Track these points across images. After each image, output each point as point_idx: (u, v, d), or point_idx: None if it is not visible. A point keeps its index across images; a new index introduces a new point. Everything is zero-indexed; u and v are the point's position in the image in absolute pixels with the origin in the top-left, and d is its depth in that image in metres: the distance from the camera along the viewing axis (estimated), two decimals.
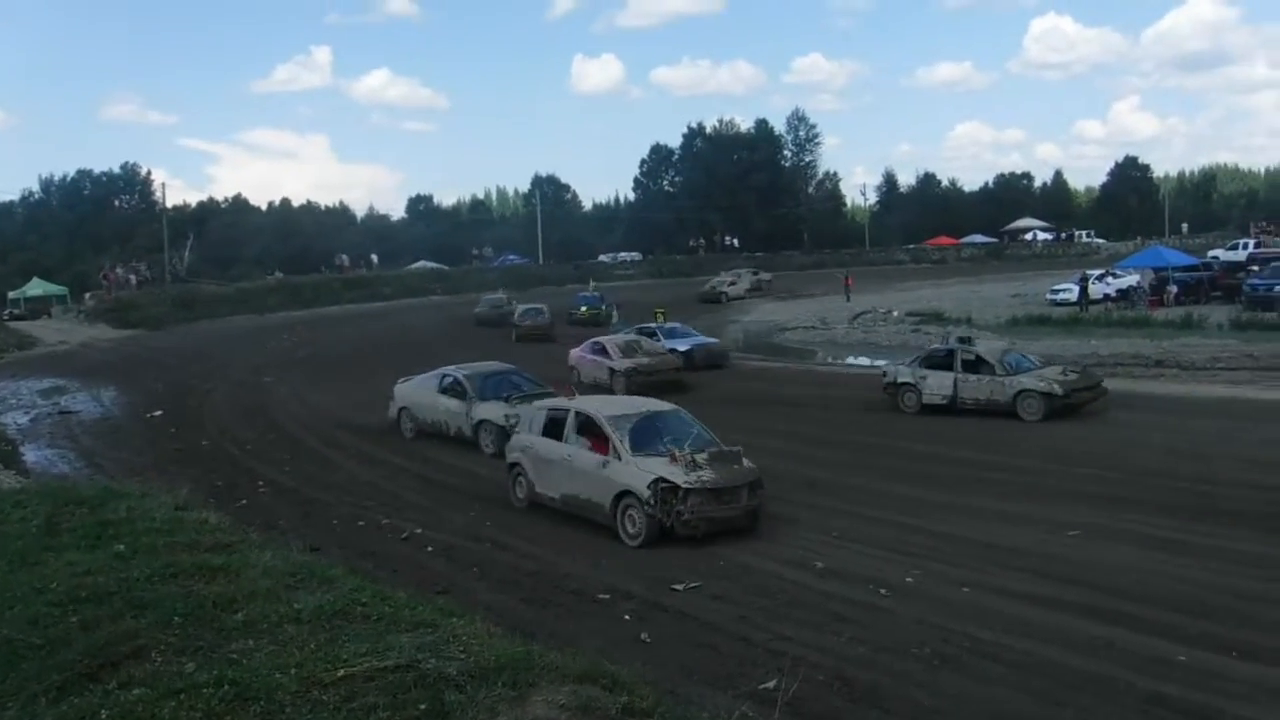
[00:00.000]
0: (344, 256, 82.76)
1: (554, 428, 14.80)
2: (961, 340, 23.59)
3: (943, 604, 10.44)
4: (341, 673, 5.55)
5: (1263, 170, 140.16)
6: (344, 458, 19.86)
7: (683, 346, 31.24)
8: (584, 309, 47.54)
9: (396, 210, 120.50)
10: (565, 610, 10.74)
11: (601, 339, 29.71)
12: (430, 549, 13.24)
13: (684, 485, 12.62)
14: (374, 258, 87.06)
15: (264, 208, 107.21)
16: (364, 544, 13.51)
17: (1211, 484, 14.99)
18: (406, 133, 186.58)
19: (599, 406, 14.88)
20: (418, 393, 21.45)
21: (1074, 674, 8.60)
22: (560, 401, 15.72)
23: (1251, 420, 19.96)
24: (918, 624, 9.85)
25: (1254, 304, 36.66)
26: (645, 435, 13.66)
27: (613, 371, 27.02)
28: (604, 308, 47.98)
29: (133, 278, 63.86)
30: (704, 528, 12.70)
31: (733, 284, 63.94)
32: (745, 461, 13.42)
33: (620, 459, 13.26)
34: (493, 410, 19.44)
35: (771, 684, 8.18)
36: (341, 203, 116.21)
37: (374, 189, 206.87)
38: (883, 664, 8.95)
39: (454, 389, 20.67)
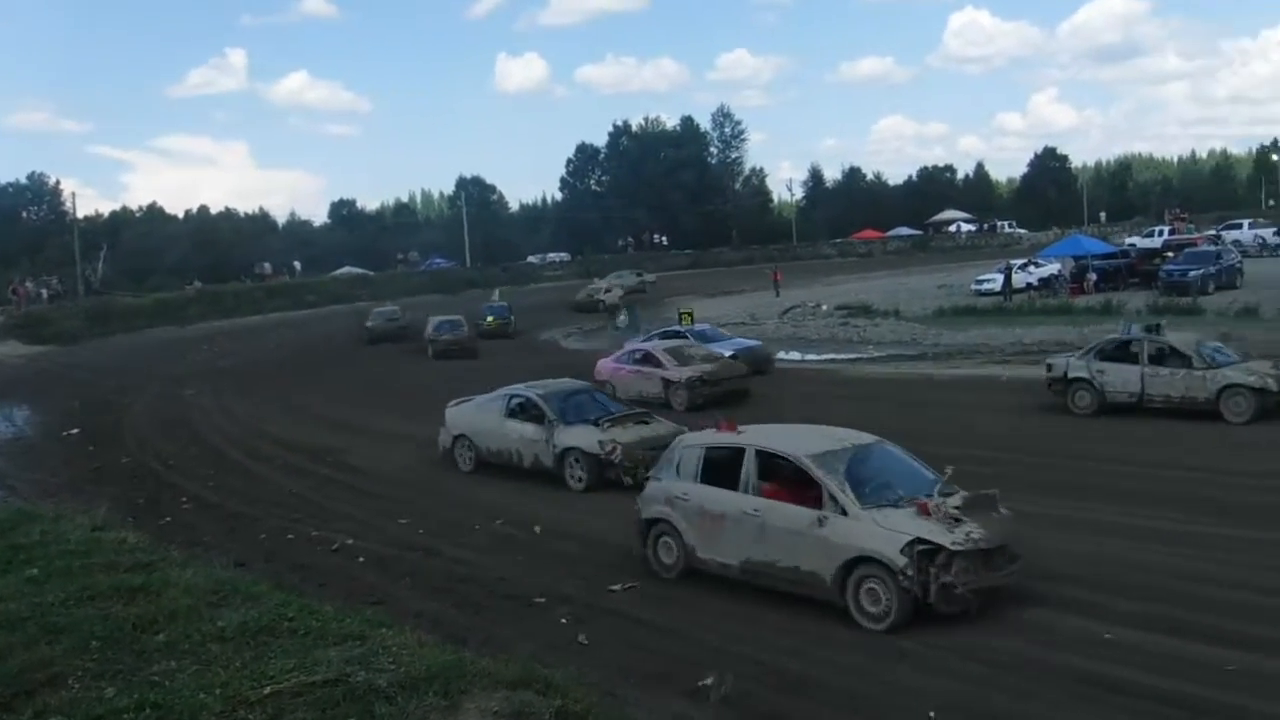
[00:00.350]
0: (265, 264, 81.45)
1: (719, 471, 11.25)
2: (1148, 328, 20.56)
3: None
4: (268, 690, 5.40)
5: (1175, 159, 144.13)
6: (270, 470, 19.45)
7: (726, 351, 26.84)
8: (490, 319, 44.53)
9: (319, 216, 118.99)
10: (500, 615, 10.62)
11: (643, 345, 26.11)
12: (362, 559, 12.99)
13: (951, 547, 9.47)
14: (297, 265, 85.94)
15: (181, 216, 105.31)
16: (293, 557, 13.22)
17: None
18: (328, 136, 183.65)
19: (784, 442, 11.24)
20: (479, 417, 18.22)
21: (1000, 654, 8.72)
22: (721, 436, 11.80)
23: None
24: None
25: (1169, 289, 37.45)
26: (863, 478, 10.41)
27: (668, 383, 23.20)
28: (512, 317, 45.38)
29: (44, 291, 61.95)
30: (976, 601, 9.58)
31: (609, 290, 56.17)
32: (1002, 509, 10.42)
33: (846, 513, 9.90)
34: (582, 436, 16.35)
35: (709, 680, 8.16)
36: (262, 209, 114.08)
37: (295, 194, 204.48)
38: (815, 655, 8.98)
39: (527, 411, 17.52)
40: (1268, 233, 57.38)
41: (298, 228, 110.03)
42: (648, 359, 24.40)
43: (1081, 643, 8.93)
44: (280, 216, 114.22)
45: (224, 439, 23.03)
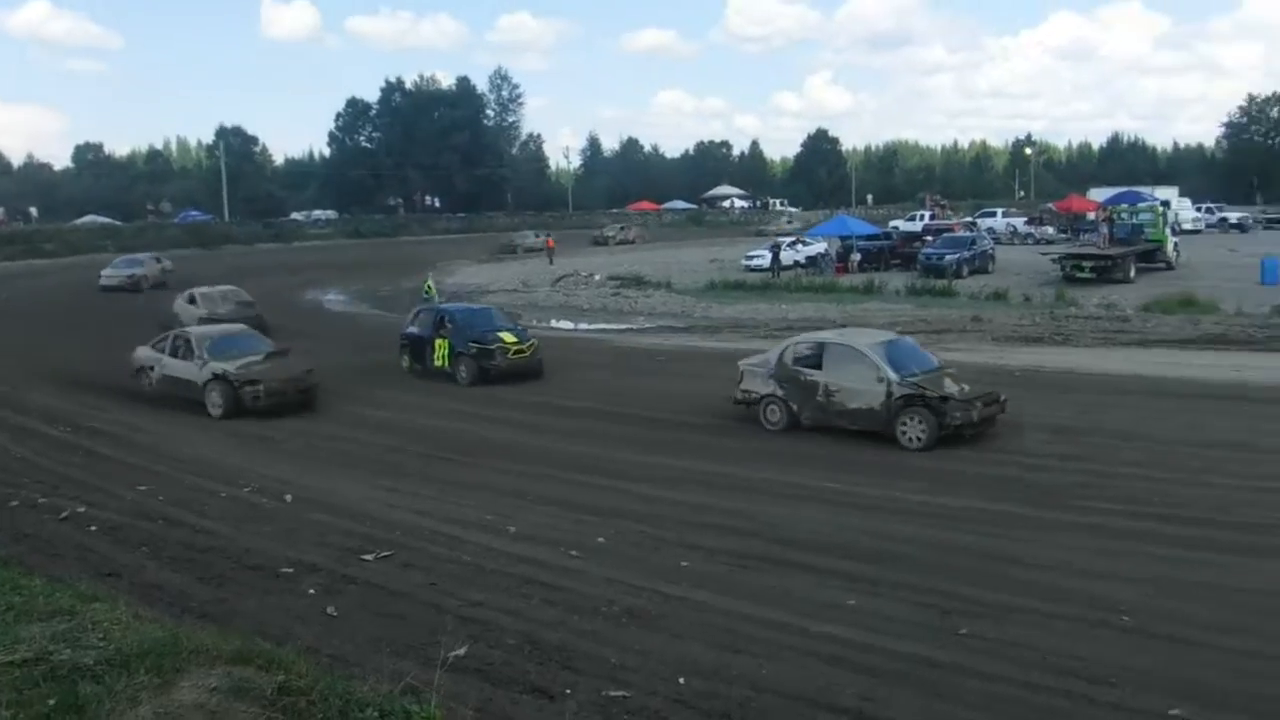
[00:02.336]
0: None
1: None
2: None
3: (633, 562, 10.60)
4: None
5: (939, 147, 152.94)
6: None
7: None
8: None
9: (61, 159, 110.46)
10: (245, 587, 10.12)
11: None
12: (94, 528, 12.09)
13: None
14: (33, 211, 79.49)
15: None
16: (16, 527, 12.19)
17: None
18: (72, 73, 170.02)
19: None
20: None
21: (754, 622, 8.94)
22: None
23: None
24: (608, 583, 9.94)
25: (928, 271, 39.46)
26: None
27: None
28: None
29: None
30: None
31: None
32: None
33: None
34: None
35: (462, 651, 8.02)
36: None
37: (34, 134, 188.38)
38: (573, 624, 8.97)
39: None
40: (1019, 221, 61.81)
41: (35, 171, 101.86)
42: None
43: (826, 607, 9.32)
44: (15, 158, 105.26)
45: None
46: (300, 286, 44.20)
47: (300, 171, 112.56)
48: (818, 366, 16.51)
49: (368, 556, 10.82)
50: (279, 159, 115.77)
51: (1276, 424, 16.10)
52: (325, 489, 13.73)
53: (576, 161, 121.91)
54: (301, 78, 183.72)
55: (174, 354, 19.98)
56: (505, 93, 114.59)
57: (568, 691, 7.70)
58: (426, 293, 31.69)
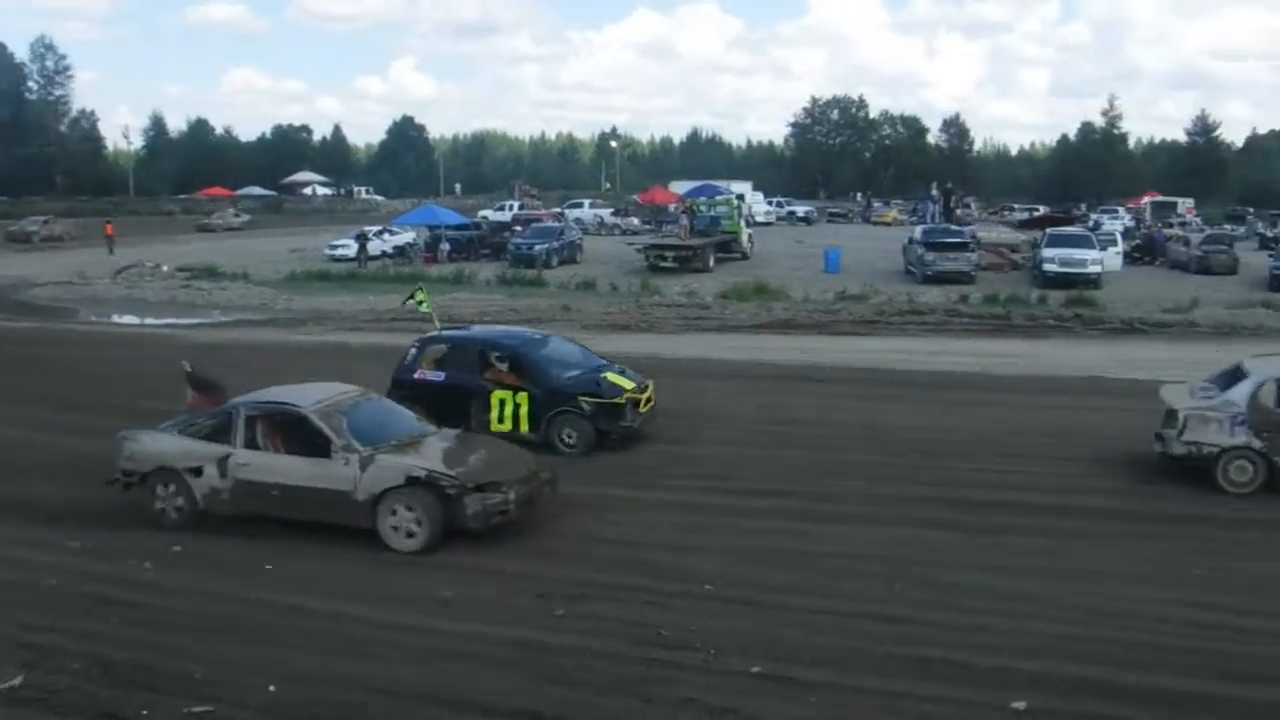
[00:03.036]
0: None
1: None
2: None
3: (211, 567, 10.10)
4: None
5: (527, 138, 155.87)
6: None
7: None
8: None
9: None
10: None
11: None
12: None
13: None
14: None
15: None
16: None
17: None
18: None
19: None
20: None
21: (354, 622, 8.80)
22: None
23: None
24: (188, 594, 9.38)
25: (517, 261, 40.52)
26: None
27: None
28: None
29: None
30: None
31: None
32: None
33: None
34: None
35: (17, 681, 7.28)
36: None
37: None
38: (152, 641, 8.36)
39: None
40: (605, 213, 64.87)
41: None
42: None
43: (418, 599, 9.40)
44: None
45: None
46: None
47: None
48: None
49: None
50: None
51: (842, 401, 17.70)
52: None
53: (139, 142, 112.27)
54: None
55: (252, 443, 11.31)
56: (50, 63, 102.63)
57: (144, 713, 7.19)
58: (418, 307, 17.06)
